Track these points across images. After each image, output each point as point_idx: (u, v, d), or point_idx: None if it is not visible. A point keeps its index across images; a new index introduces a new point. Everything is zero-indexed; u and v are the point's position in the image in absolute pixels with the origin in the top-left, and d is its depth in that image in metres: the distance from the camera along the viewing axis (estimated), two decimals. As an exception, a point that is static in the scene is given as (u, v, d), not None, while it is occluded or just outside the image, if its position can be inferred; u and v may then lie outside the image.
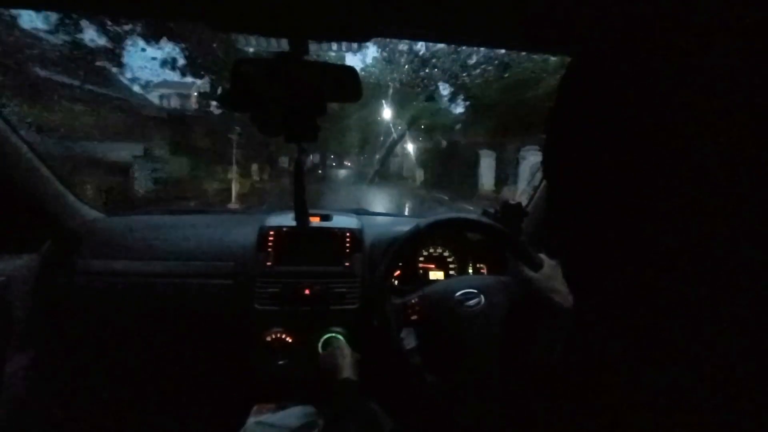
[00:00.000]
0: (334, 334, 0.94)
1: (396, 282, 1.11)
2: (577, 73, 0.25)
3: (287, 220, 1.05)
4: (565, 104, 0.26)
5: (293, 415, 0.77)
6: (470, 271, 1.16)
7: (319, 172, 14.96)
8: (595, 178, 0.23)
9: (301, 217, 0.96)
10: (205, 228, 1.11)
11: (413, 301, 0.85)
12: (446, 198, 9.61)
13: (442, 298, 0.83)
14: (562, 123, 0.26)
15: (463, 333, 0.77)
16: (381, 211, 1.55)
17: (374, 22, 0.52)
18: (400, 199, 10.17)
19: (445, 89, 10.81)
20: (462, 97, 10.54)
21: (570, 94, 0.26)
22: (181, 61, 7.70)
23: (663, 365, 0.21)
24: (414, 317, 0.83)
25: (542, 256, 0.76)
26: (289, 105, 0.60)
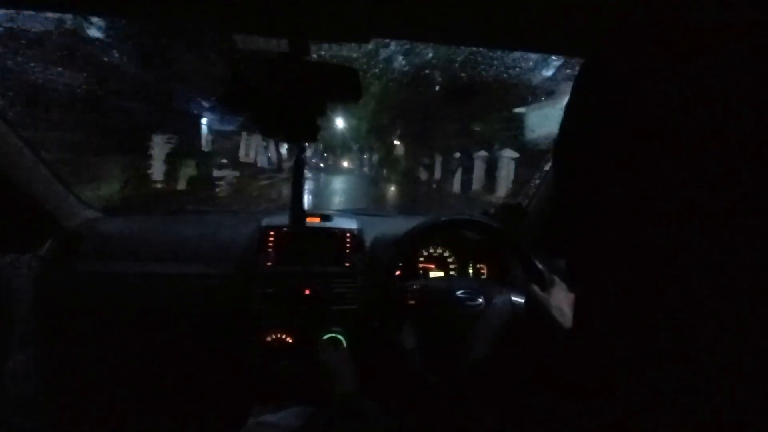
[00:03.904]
0: (334, 335, 0.94)
1: (396, 281, 1.11)
2: (589, 73, 0.26)
3: (287, 220, 1.05)
4: (577, 104, 0.26)
5: (293, 415, 0.77)
6: (470, 271, 1.16)
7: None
8: (602, 177, 0.23)
9: (297, 216, 0.96)
10: (205, 228, 1.11)
11: (414, 287, 0.85)
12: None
13: (442, 292, 0.83)
14: (573, 122, 0.27)
15: (461, 332, 0.77)
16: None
17: (375, 23, 0.51)
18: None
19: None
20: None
21: (582, 95, 0.26)
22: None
23: (663, 365, 0.21)
24: (412, 302, 0.84)
25: (555, 277, 0.76)
26: (289, 105, 0.60)
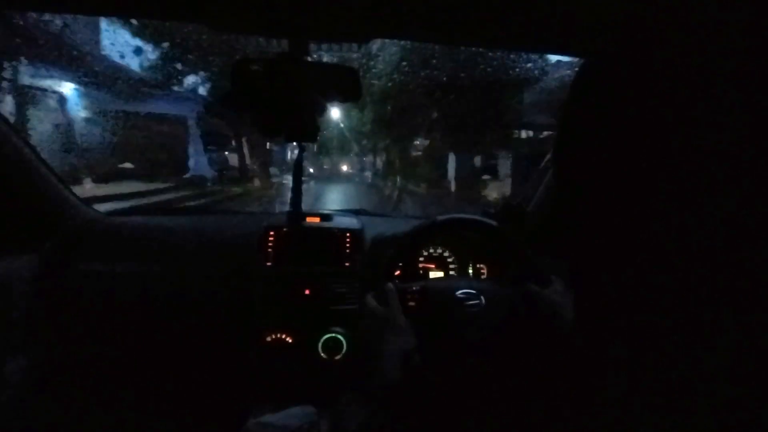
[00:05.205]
0: (334, 335, 0.94)
1: (396, 281, 1.11)
2: (589, 73, 0.26)
3: (287, 220, 1.05)
4: (577, 104, 0.26)
5: (293, 415, 0.77)
6: (470, 271, 1.16)
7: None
8: (602, 177, 0.23)
9: (296, 216, 0.96)
10: (205, 228, 1.11)
11: (414, 288, 0.85)
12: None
13: (442, 293, 0.83)
14: (573, 122, 0.27)
15: (461, 332, 0.77)
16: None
17: (375, 23, 0.51)
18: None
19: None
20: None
21: (581, 94, 0.26)
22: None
23: (662, 364, 0.21)
24: (411, 303, 0.84)
25: (554, 277, 0.75)
26: (289, 105, 0.60)
